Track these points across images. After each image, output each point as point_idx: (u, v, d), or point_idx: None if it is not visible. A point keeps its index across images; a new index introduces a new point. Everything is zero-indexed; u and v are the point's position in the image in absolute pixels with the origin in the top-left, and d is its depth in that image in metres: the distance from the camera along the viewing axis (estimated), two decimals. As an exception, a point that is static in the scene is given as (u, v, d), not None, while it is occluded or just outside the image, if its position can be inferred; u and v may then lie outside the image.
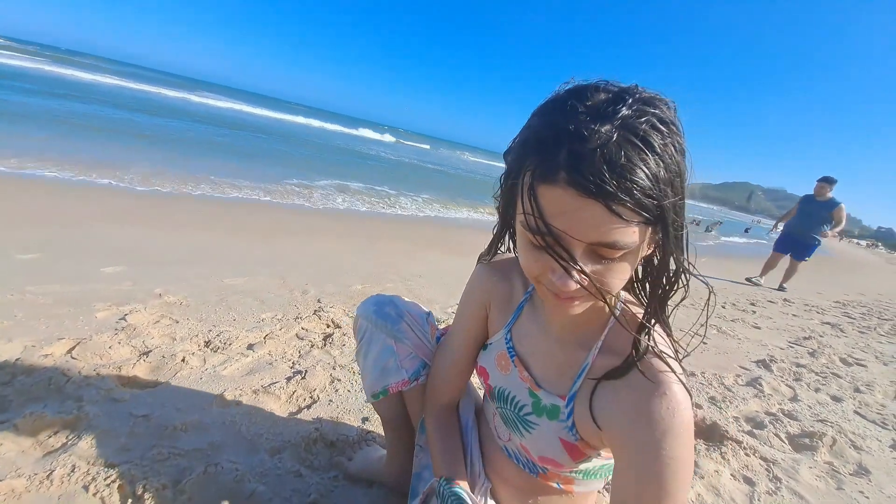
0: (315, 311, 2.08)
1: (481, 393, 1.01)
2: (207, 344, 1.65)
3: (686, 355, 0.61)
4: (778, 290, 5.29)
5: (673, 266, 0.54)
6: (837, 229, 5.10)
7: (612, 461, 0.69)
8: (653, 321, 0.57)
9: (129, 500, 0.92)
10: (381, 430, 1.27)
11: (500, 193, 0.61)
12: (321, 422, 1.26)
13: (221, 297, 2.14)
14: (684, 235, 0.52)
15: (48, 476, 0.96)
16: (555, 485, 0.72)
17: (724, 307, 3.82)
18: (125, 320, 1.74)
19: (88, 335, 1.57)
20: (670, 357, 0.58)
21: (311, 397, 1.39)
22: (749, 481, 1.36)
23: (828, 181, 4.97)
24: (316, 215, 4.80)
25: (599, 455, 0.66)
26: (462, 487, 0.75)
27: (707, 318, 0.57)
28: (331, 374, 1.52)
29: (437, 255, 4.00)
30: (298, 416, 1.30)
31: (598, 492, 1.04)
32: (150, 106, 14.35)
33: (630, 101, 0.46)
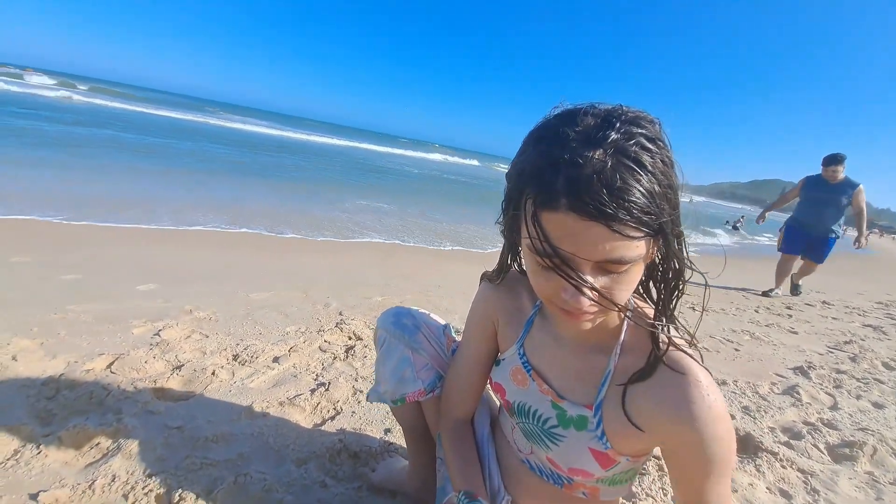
0: (337, 323, 2.12)
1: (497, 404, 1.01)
2: (236, 357, 1.71)
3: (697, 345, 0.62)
4: (794, 293, 4.43)
5: (676, 266, 0.57)
6: (864, 227, 4.06)
7: (637, 465, 0.69)
8: (664, 318, 0.60)
9: (165, 509, 0.97)
10: (403, 442, 1.29)
11: (504, 219, 0.63)
12: (345, 433, 1.29)
13: (248, 311, 2.21)
14: (684, 239, 0.55)
15: (90, 486, 1.01)
16: (580, 494, 0.72)
17: (757, 311, 3.68)
18: (159, 336, 1.82)
19: (126, 350, 1.65)
20: (687, 346, 0.60)
21: (334, 409, 1.42)
22: (786, 494, 1.30)
23: (837, 160, 3.89)
24: (336, 231, 4.91)
25: (627, 460, 0.66)
26: (482, 501, 0.75)
27: (703, 309, 0.62)
28: (353, 386, 1.55)
29: (457, 265, 4.03)
30: (323, 428, 1.32)
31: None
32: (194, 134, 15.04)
33: (617, 124, 0.48)
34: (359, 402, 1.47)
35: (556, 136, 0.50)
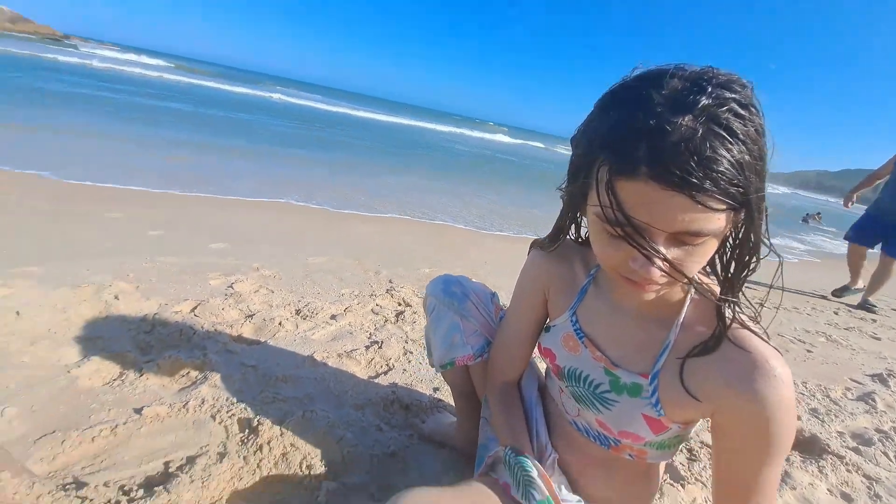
0: (387, 290, 2.23)
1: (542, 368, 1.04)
2: (298, 312, 1.85)
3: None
4: (861, 307, 3.61)
5: (752, 242, 0.55)
6: None
7: (686, 433, 0.70)
8: (730, 294, 0.59)
9: (246, 431, 1.10)
10: (450, 400, 1.36)
11: (567, 185, 0.63)
12: (397, 387, 1.38)
13: (307, 273, 2.37)
14: (766, 214, 0.53)
15: (184, 406, 1.17)
16: (626, 455, 0.74)
17: (836, 314, 3.38)
18: (232, 288, 2.01)
19: (205, 298, 1.85)
20: (754, 325, 0.59)
21: (387, 365, 1.52)
22: (847, 497, 1.24)
23: None
24: (387, 205, 5.05)
25: (679, 427, 0.67)
26: (528, 457, 0.79)
27: (770, 287, 0.58)
28: (404, 347, 1.64)
29: (505, 245, 4.02)
30: (376, 380, 1.43)
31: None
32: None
33: (709, 88, 0.46)
34: (409, 361, 1.56)
35: (638, 99, 0.48)
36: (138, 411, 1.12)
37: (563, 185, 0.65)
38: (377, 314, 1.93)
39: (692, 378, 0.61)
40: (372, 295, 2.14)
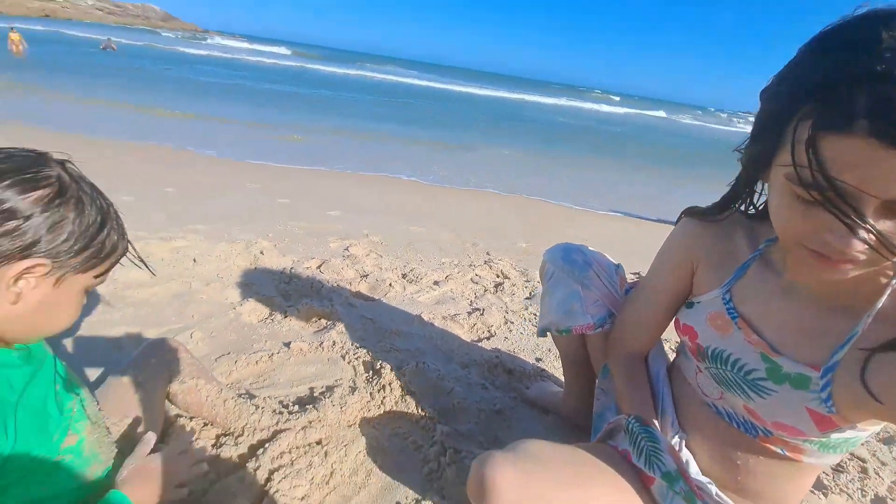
0: (485, 261, 2.28)
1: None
2: (404, 276, 2.01)
3: None
4: None
5: None
6: None
7: (861, 436, 0.62)
8: None
9: (370, 372, 1.26)
10: (553, 370, 1.37)
11: (750, 145, 0.56)
12: (500, 352, 1.43)
13: (409, 241, 2.54)
14: None
15: (320, 344, 1.37)
16: (777, 449, 0.68)
17: None
18: (348, 251, 2.25)
19: (328, 258, 2.10)
20: None
21: (488, 331, 1.58)
22: None
23: None
24: (483, 179, 5.09)
25: (853, 428, 0.59)
26: (654, 427, 0.77)
27: None
28: (504, 317, 1.69)
29: (603, 222, 3.81)
30: (479, 344, 1.50)
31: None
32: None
33: None
34: (510, 330, 1.60)
35: (863, 40, 0.41)
36: (287, 345, 1.35)
37: (744, 146, 0.59)
38: (476, 283, 2.00)
39: (877, 376, 0.53)
40: (471, 265, 2.21)
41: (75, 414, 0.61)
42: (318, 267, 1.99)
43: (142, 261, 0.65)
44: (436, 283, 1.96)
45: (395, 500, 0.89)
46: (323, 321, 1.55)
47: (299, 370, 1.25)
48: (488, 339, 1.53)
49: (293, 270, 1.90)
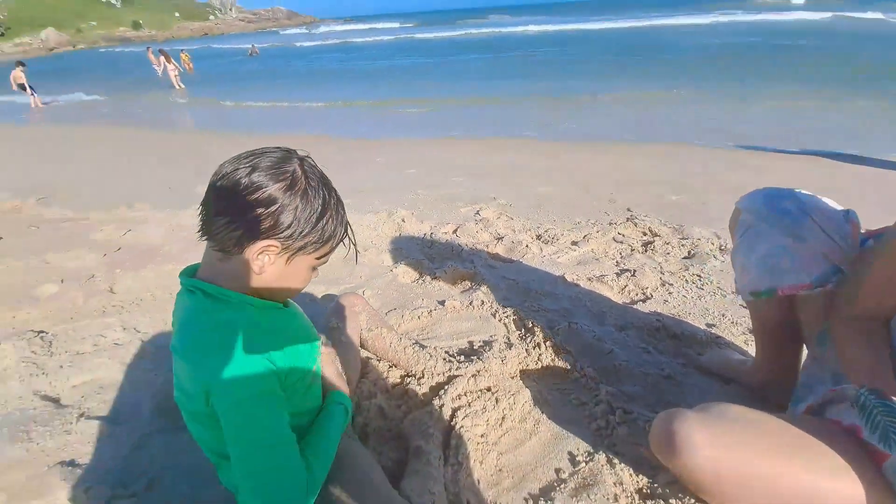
0: (628, 218, 2.09)
1: None
2: (539, 237, 1.97)
3: None
4: None
5: None
6: None
7: None
8: None
9: (523, 329, 1.28)
10: (731, 337, 1.21)
11: None
12: (661, 315, 1.32)
13: (538, 202, 2.46)
14: None
15: (470, 303, 1.44)
16: None
17: None
18: (479, 214, 2.29)
19: (461, 223, 2.17)
20: None
21: (643, 293, 1.46)
22: None
23: None
24: (609, 128, 4.61)
25: None
26: (893, 402, 0.63)
27: None
28: (660, 278, 1.53)
29: (775, 161, 3.12)
30: (633, 307, 1.40)
31: None
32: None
33: None
34: (669, 293, 1.45)
35: None
36: (441, 303, 1.46)
37: None
38: (621, 243, 1.85)
39: None
40: (611, 223, 2.05)
41: (316, 350, 0.76)
42: (454, 231, 2.08)
43: (354, 247, 0.73)
44: (574, 243, 1.88)
45: (566, 450, 0.91)
46: (467, 282, 1.62)
47: (456, 325, 1.34)
48: (643, 301, 1.42)
49: (433, 235, 2.02)
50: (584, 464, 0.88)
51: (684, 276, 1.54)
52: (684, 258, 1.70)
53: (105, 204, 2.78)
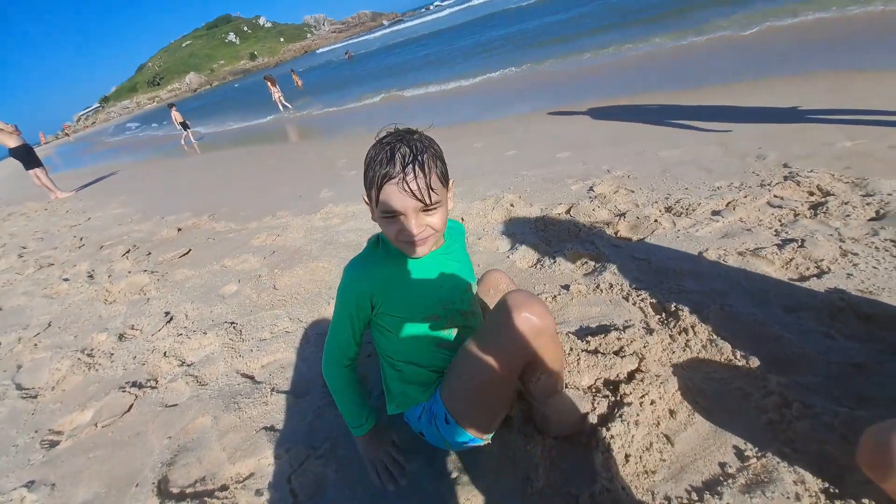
0: (786, 176, 1.75)
1: None
2: (669, 209, 1.77)
3: None
4: None
5: None
6: None
7: None
8: None
9: (663, 313, 1.19)
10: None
11: None
12: (845, 293, 1.09)
13: (663, 168, 2.21)
14: None
15: (597, 287, 1.38)
16: None
17: None
18: (593, 191, 2.15)
19: (575, 201, 2.07)
20: None
21: (816, 267, 1.22)
22: None
23: None
24: (745, 67, 3.88)
25: None
26: None
27: None
28: (839, 247, 1.26)
29: None
30: (804, 284, 1.18)
31: None
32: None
33: None
34: (854, 265, 1.19)
35: None
36: (565, 287, 1.42)
37: None
38: (780, 207, 1.56)
39: None
40: (763, 185, 1.75)
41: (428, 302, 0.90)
42: (568, 211, 1.99)
43: (418, 199, 0.80)
44: (715, 213, 1.65)
45: (730, 443, 0.83)
46: (591, 263, 1.55)
47: (584, 310, 1.30)
48: (818, 276, 1.19)
49: (546, 217, 1.97)
50: (754, 459, 0.79)
51: (873, 243, 1.24)
52: (871, 220, 1.37)
53: (256, 214, 3.33)
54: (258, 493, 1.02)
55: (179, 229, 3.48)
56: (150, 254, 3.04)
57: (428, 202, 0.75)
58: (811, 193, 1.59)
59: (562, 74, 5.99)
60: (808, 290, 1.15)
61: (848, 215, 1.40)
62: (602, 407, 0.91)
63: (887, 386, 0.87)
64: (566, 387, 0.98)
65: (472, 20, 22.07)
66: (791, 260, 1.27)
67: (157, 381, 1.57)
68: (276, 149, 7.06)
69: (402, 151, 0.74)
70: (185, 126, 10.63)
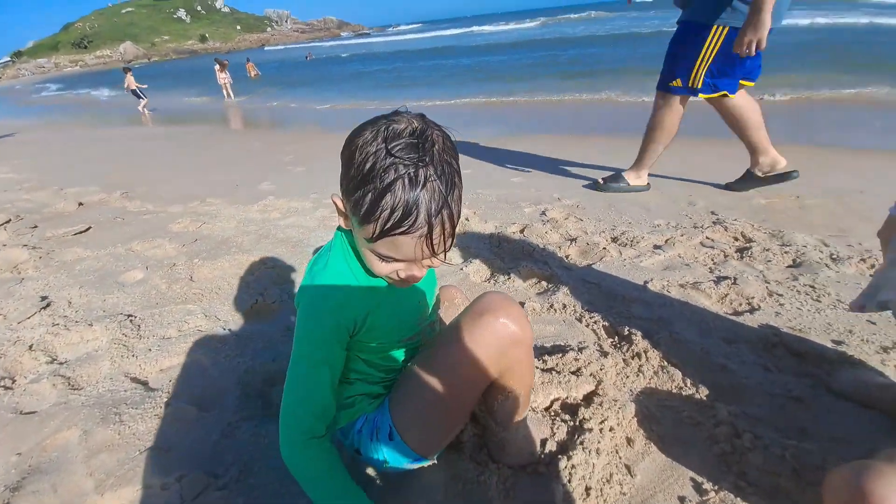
0: (714, 222, 1.91)
1: None
2: (615, 240, 1.84)
3: None
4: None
5: None
6: None
7: None
8: None
9: (616, 337, 1.18)
10: (864, 356, 1.04)
11: None
12: (777, 330, 1.17)
13: (609, 202, 2.32)
14: None
15: (550, 306, 1.36)
16: None
17: None
18: (545, 215, 2.19)
19: (528, 223, 2.08)
20: None
21: (748, 304, 1.31)
22: None
23: None
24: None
25: None
26: None
27: None
28: (767, 288, 1.37)
29: (884, 160, 2.76)
30: (738, 319, 1.25)
31: None
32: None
33: None
34: (781, 305, 1.29)
35: None
36: (522, 304, 1.38)
37: None
38: (712, 248, 1.68)
39: None
40: (696, 227, 1.89)
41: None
42: (521, 231, 1.99)
43: (432, 252, 0.67)
44: (657, 247, 1.74)
45: (687, 476, 0.81)
46: (544, 283, 1.54)
47: (538, 329, 1.26)
48: (750, 312, 1.27)
49: (500, 234, 1.95)
50: (712, 493, 0.77)
51: (795, 287, 1.37)
52: (789, 267, 1.52)
53: (181, 198, 2.95)
54: (131, 535, 0.80)
55: (81, 203, 2.97)
56: (35, 227, 2.53)
57: (445, 256, 0.61)
58: (736, 238, 1.75)
59: (519, 106, 6.28)
60: (743, 324, 1.21)
61: (769, 260, 1.54)
62: (561, 432, 0.85)
63: (822, 420, 0.91)
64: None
65: (437, 48, 22.80)
66: (726, 295, 1.35)
67: (13, 381, 1.24)
68: (215, 133, 6.48)
69: (429, 189, 0.54)
70: (136, 95, 9.59)
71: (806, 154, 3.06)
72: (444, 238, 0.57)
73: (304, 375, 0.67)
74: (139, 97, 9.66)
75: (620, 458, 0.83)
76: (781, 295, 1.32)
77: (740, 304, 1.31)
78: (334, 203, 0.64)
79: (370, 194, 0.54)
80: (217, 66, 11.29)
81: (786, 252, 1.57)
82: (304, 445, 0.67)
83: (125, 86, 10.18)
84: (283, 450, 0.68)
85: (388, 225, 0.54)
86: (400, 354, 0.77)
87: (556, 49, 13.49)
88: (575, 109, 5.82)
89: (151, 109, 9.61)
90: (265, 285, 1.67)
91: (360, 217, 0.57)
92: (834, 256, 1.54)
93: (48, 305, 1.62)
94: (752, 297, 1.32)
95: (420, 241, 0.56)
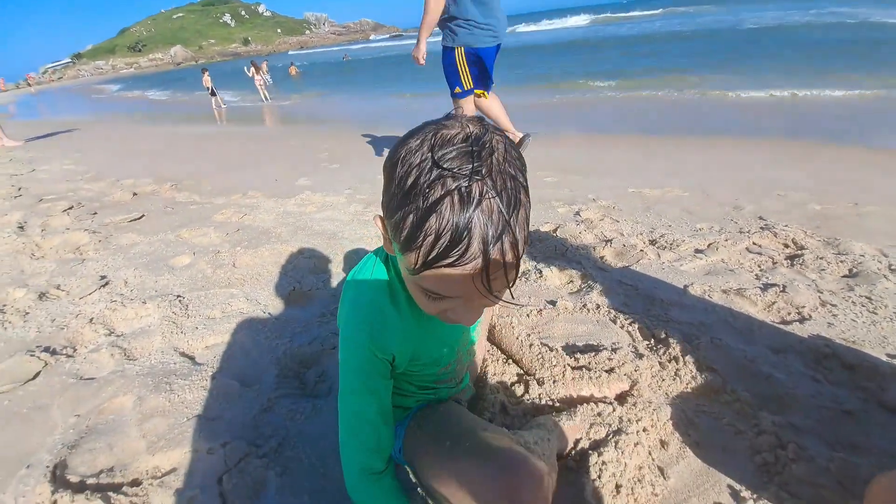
0: (762, 227, 1.81)
1: None
2: (653, 242, 1.78)
3: None
4: None
5: None
6: None
7: None
8: None
9: (652, 339, 1.15)
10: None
11: None
12: (830, 341, 1.10)
13: (646, 205, 2.25)
14: None
15: (584, 306, 1.33)
16: None
17: None
18: (579, 216, 2.15)
19: (562, 223, 2.05)
20: None
21: (798, 313, 1.24)
22: None
23: None
24: (726, 124, 4.15)
25: None
26: None
27: None
28: (819, 297, 1.29)
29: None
30: (787, 328, 1.18)
31: None
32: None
33: None
34: (834, 315, 1.21)
35: None
36: (552, 303, 1.37)
37: None
38: (759, 254, 1.60)
39: None
40: (742, 232, 1.80)
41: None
42: (553, 231, 1.97)
43: (489, 290, 0.62)
44: (698, 251, 1.67)
45: (724, 482, 0.78)
46: (577, 282, 1.51)
47: (570, 328, 1.24)
48: (800, 322, 1.20)
49: (533, 233, 1.93)
50: (751, 501, 0.73)
51: (849, 298, 1.28)
52: (845, 276, 1.42)
53: (225, 191, 3.11)
54: (178, 493, 0.85)
55: (135, 194, 3.18)
56: (95, 213, 2.74)
57: (510, 294, 0.51)
58: (786, 245, 1.65)
59: (556, 105, 6.18)
60: (792, 333, 1.15)
61: (823, 269, 1.44)
62: (592, 429, 0.84)
63: (874, 435, 0.86)
64: (556, 404, 0.90)
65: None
66: (773, 303, 1.28)
67: (75, 350, 1.34)
68: (254, 131, 6.77)
69: (485, 210, 0.42)
70: (212, 92, 10.38)
71: (861, 157, 2.86)
72: (505, 272, 0.45)
73: (350, 405, 0.64)
74: (213, 94, 10.41)
75: (654, 459, 0.81)
76: (835, 305, 1.24)
77: (789, 313, 1.24)
78: (377, 224, 0.55)
79: (412, 215, 0.44)
80: (252, 69, 11.88)
81: (841, 261, 1.47)
82: (359, 480, 0.65)
83: (203, 84, 10.95)
84: (346, 483, 0.66)
85: (433, 255, 0.43)
86: (435, 375, 0.76)
87: (602, 51, 13.10)
88: (615, 107, 5.67)
89: (225, 104, 10.42)
90: (302, 273, 1.73)
91: (400, 243, 0.47)
92: (893, 268, 1.43)
93: (106, 284, 1.75)
94: (803, 307, 1.25)
95: (473, 275, 0.44)
